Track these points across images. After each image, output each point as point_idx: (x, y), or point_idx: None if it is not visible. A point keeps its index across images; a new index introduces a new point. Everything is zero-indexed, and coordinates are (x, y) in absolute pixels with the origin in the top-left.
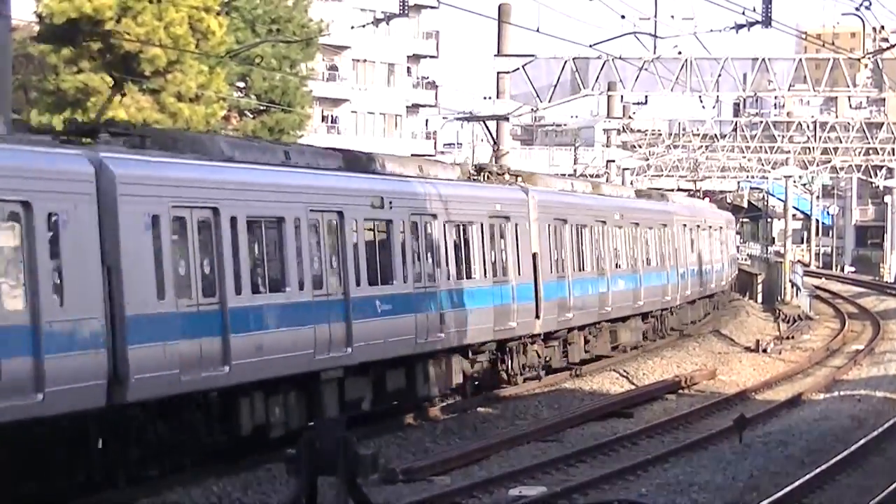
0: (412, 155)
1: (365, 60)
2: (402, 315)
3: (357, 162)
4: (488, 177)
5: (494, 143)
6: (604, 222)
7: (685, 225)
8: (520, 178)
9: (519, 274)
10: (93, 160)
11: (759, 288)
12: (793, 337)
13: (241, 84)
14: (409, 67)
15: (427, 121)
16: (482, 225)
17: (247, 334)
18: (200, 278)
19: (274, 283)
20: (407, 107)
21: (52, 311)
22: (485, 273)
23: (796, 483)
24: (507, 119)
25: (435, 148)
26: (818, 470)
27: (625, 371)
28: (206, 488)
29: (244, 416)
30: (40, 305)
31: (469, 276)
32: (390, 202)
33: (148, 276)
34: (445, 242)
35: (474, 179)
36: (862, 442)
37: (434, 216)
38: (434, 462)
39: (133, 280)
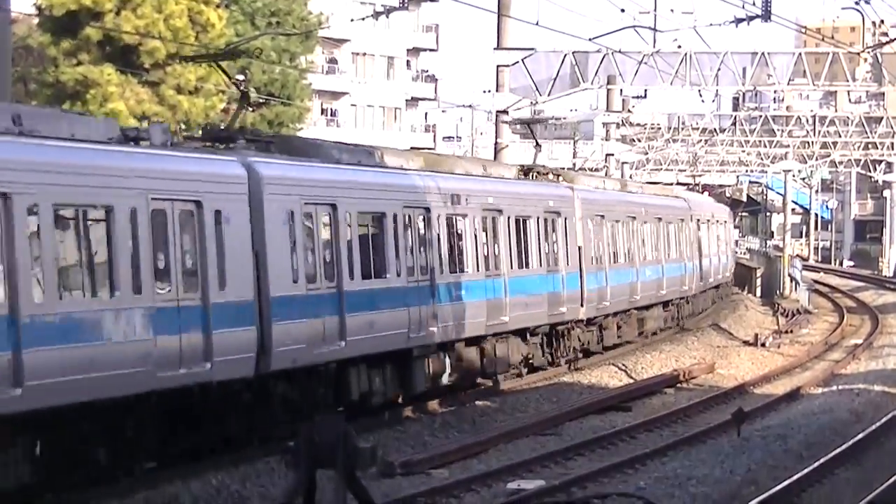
0: (411, 148)
1: (364, 53)
2: (475, 300)
3: (436, 162)
4: (536, 176)
5: (537, 144)
6: (634, 218)
7: (698, 220)
8: (560, 178)
9: (567, 264)
10: (244, 164)
11: (758, 282)
12: (791, 331)
13: (241, 77)
14: (408, 60)
15: (426, 114)
16: (538, 219)
17: (358, 314)
18: (323, 265)
19: (378, 270)
20: (406, 100)
21: (217, 294)
22: (540, 263)
23: (794, 477)
24: (507, 113)
25: (434, 141)
26: (816, 464)
27: (623, 365)
28: (205, 481)
29: (353, 385)
30: (208, 289)
31: (527, 266)
32: (466, 199)
33: (285, 263)
34: (508, 235)
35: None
36: (860, 436)
37: (500, 211)
38: (432, 455)
39: (275, 266)
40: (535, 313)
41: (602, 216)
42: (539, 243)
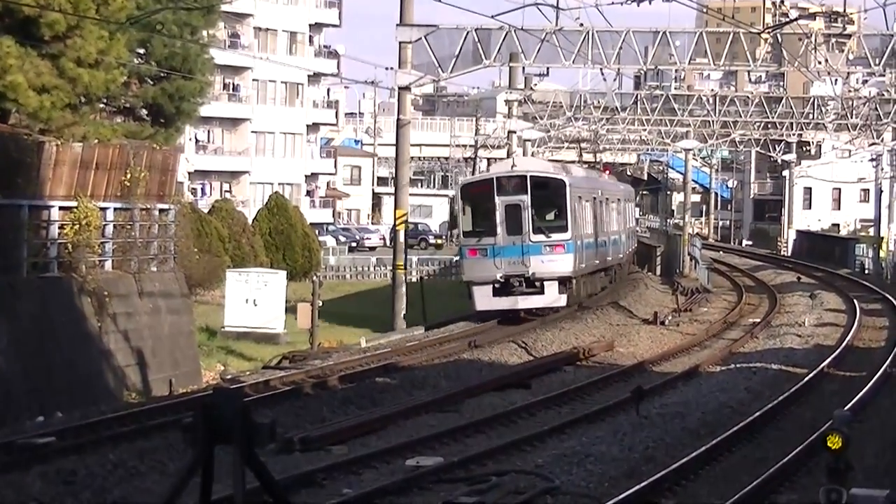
0: (314, 124)
1: (267, 29)
2: None
3: None
4: None
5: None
6: None
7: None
8: None
9: None
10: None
11: (658, 261)
12: (690, 309)
13: (142, 50)
14: (311, 36)
15: (329, 90)
16: None
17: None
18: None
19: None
20: (309, 76)
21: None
22: None
23: (692, 454)
24: (410, 90)
25: (336, 117)
26: (714, 441)
27: (523, 342)
28: (101, 456)
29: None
30: (611, 230)
31: None
32: None
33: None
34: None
35: None
36: (757, 414)
37: None
38: (331, 432)
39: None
40: None
41: None
42: None
